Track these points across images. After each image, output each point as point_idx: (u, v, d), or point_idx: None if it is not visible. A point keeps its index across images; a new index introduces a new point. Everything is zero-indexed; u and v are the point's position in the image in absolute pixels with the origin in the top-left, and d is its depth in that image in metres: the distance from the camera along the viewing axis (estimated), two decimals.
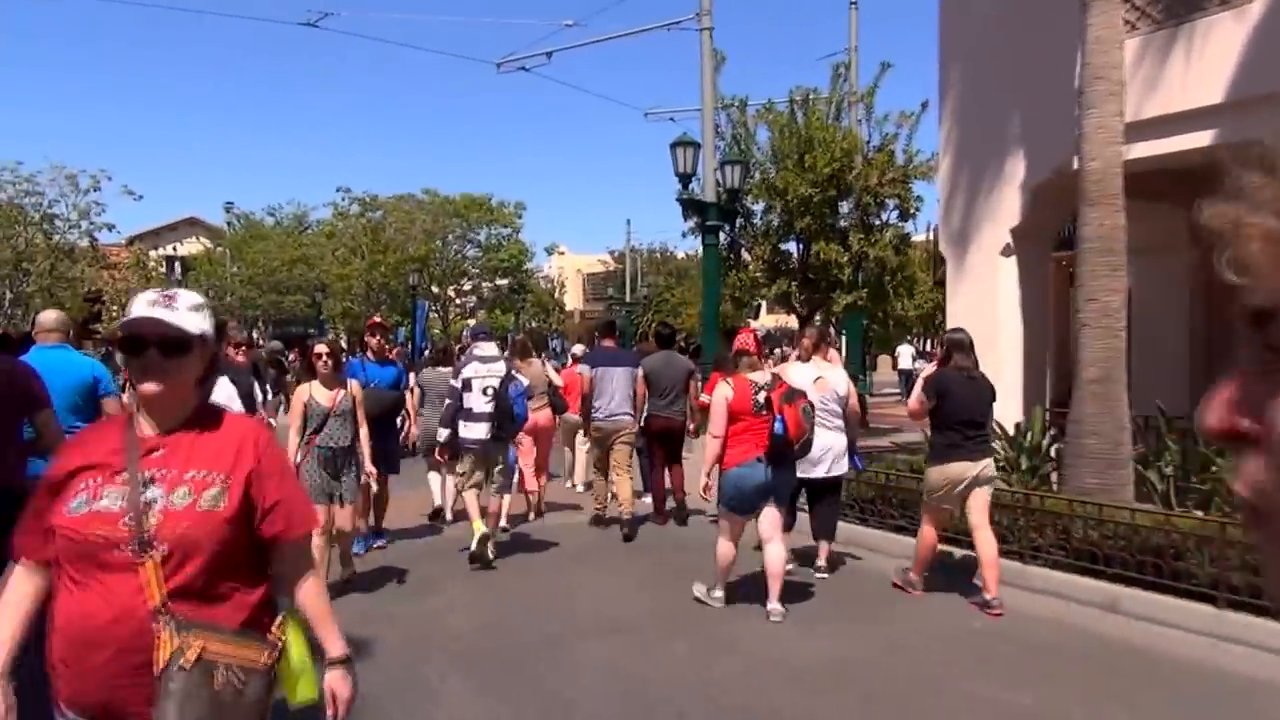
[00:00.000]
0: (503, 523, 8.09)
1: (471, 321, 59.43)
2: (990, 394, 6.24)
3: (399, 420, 8.28)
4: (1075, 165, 7.41)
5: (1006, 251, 9.32)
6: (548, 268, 58.25)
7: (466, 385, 7.12)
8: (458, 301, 35.79)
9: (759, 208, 16.01)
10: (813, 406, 5.83)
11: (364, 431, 6.32)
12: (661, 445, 8.76)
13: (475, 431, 7.07)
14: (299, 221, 33.73)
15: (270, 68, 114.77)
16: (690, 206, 14.72)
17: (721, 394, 5.73)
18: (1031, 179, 9.03)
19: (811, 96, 15.19)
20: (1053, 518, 6.58)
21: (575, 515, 9.42)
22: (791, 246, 15.96)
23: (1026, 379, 9.31)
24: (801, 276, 15.43)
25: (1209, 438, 0.51)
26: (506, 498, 7.97)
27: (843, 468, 6.97)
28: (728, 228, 15.32)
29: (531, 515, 9.09)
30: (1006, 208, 9.27)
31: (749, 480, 5.64)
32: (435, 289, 32.78)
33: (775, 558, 5.80)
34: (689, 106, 23.31)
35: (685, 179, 14.12)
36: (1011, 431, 8.63)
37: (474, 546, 6.91)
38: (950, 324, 9.97)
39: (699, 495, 6.48)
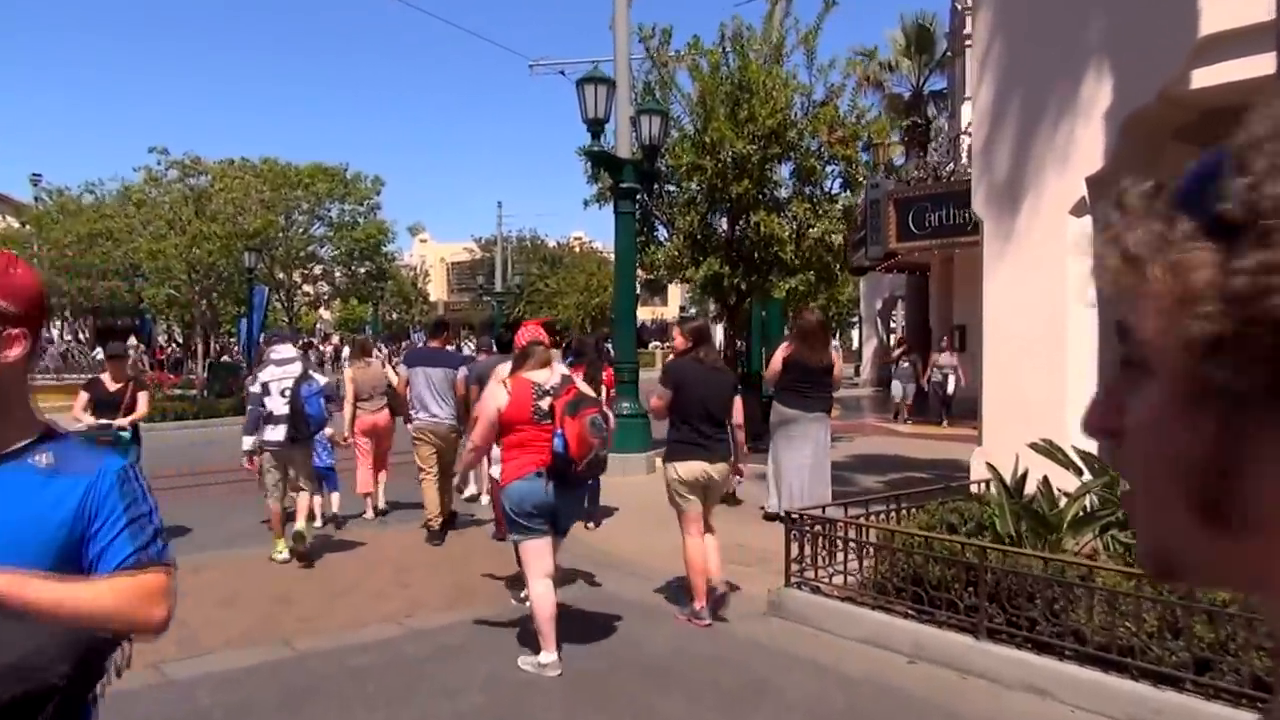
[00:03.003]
0: (316, 522, 8.08)
1: (325, 313, 54.52)
2: (731, 389, 5.82)
3: None
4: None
5: (1080, 209, 6.64)
6: (409, 255, 54.00)
7: (265, 389, 7.19)
8: (306, 289, 31.28)
9: (678, 169, 13.05)
10: (605, 417, 4.98)
11: None
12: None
13: (275, 434, 7.14)
14: (125, 199, 28.47)
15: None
16: (600, 162, 11.65)
17: (494, 400, 4.95)
18: (1123, 106, 6.36)
19: (746, 33, 12.31)
20: None
21: (463, 604, 6.22)
22: (718, 219, 13.09)
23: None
24: (733, 254, 12.55)
25: (1087, 435, 0.56)
26: (317, 498, 8.15)
27: None
28: (643, 194, 12.31)
29: (368, 514, 9.11)
30: (1082, 149, 6.58)
31: (529, 497, 4.84)
32: (280, 274, 28.38)
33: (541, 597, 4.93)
34: (583, 58, 20.20)
35: (596, 127, 11.07)
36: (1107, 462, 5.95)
37: (277, 556, 7.17)
38: (990, 310, 7.26)
39: None
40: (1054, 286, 6.69)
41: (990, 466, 5.91)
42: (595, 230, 66.73)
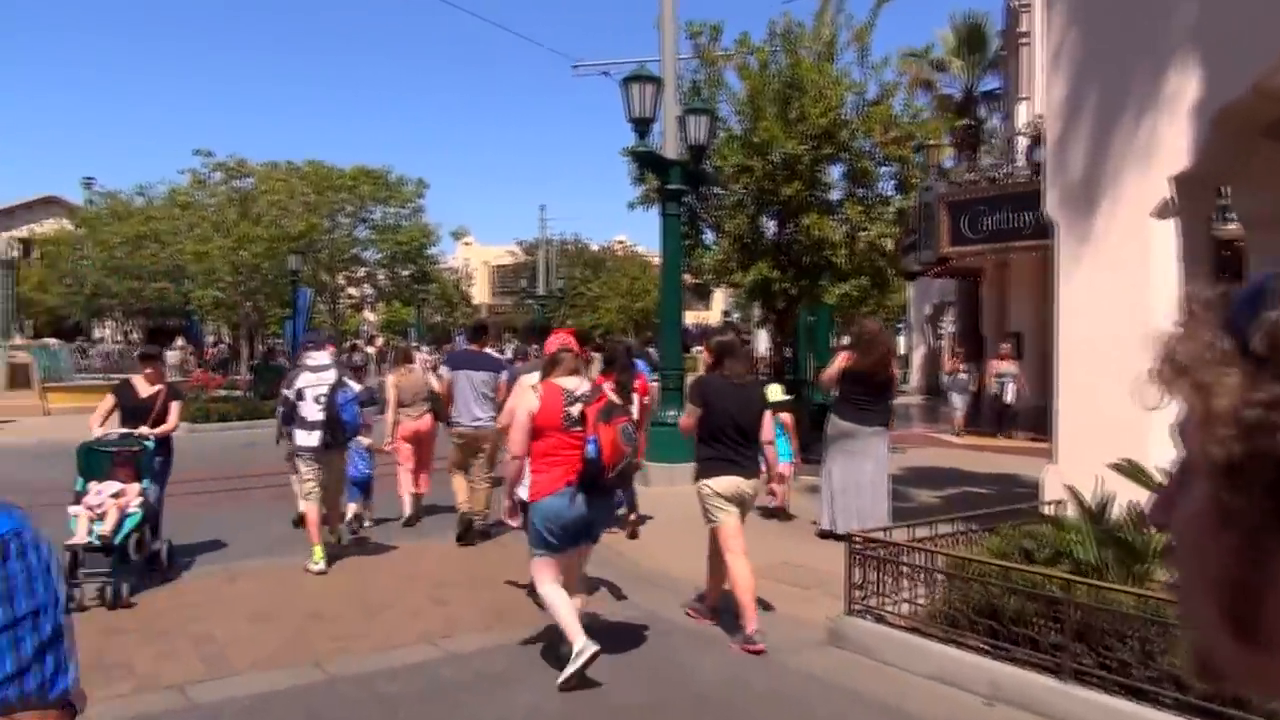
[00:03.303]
0: (349, 519, 8.29)
1: (371, 316, 54.79)
2: (760, 404, 5.67)
3: None
4: None
5: (1164, 210, 6.17)
6: (453, 258, 54.16)
7: (300, 395, 7.26)
8: (349, 291, 31.26)
9: (724, 170, 12.71)
10: (635, 425, 4.98)
11: None
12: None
13: (310, 439, 7.19)
14: (172, 201, 28.73)
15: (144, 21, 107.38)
16: (646, 163, 11.33)
17: (526, 405, 4.88)
18: (1212, 100, 5.88)
19: (796, 29, 11.93)
20: None
21: (504, 630, 5.90)
22: (766, 222, 12.71)
23: None
24: (782, 259, 12.16)
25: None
26: (352, 504, 8.32)
27: None
28: (691, 196, 11.98)
29: (406, 510, 8.98)
30: (1165, 146, 6.12)
31: (561, 515, 4.75)
32: (325, 277, 28.42)
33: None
34: (627, 58, 19.84)
35: (642, 126, 10.77)
36: None
37: (313, 567, 7.01)
38: (1064, 319, 6.80)
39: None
40: (1134, 293, 6.23)
41: (1070, 489, 5.48)
42: (638, 234, 66.44)
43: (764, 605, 5.82)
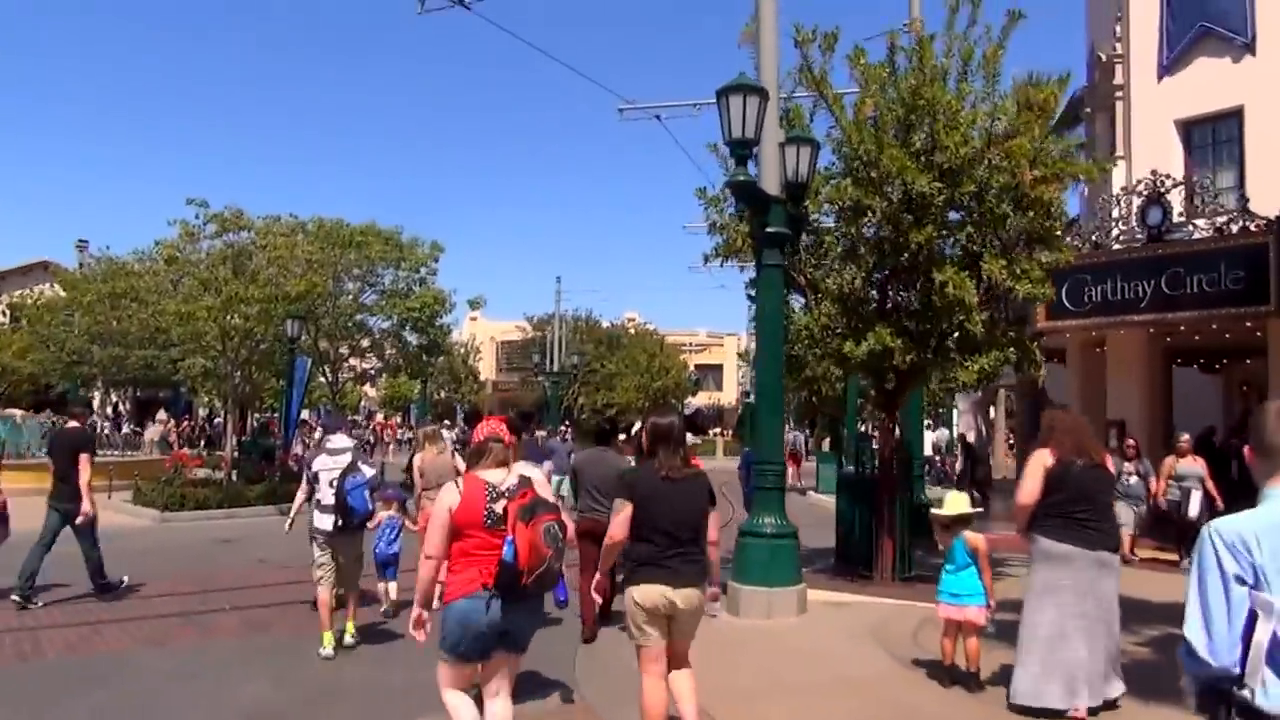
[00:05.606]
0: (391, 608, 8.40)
1: (370, 390, 52.30)
2: (703, 499, 4.74)
3: None
4: None
5: None
6: (459, 332, 51.94)
7: (316, 478, 7.41)
8: (352, 362, 28.74)
9: (823, 216, 10.34)
10: (563, 526, 4.32)
11: None
12: (592, 546, 7.20)
13: (324, 523, 7.29)
14: (159, 256, 26.14)
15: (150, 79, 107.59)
16: (745, 197, 8.91)
17: (445, 500, 4.33)
18: None
19: (923, 38, 9.65)
20: None
21: None
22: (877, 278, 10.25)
23: None
24: (896, 323, 9.65)
25: None
26: (380, 585, 8.48)
27: None
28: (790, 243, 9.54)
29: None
30: None
31: (473, 619, 4.20)
32: (325, 345, 25.95)
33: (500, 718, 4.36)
34: (680, 100, 17.68)
35: (742, 150, 8.47)
36: None
37: (323, 652, 7.03)
38: None
39: None
40: None
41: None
42: (650, 312, 64.38)
43: None
